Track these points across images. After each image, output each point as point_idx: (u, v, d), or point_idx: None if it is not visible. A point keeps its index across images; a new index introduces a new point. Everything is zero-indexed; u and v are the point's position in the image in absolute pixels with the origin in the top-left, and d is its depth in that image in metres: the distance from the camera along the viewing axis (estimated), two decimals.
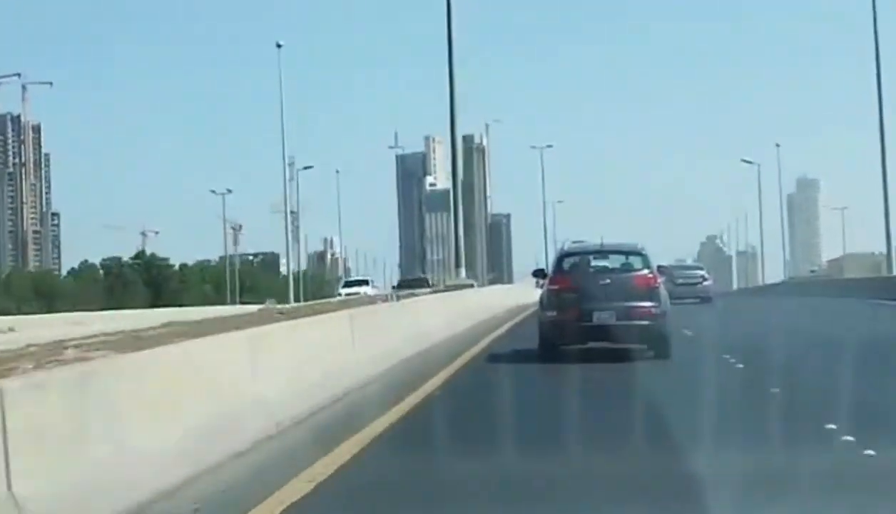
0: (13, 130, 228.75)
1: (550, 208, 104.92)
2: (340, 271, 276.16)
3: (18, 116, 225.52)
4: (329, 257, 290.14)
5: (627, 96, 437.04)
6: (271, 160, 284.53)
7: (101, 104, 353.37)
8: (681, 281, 44.68)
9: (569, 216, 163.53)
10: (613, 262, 19.06)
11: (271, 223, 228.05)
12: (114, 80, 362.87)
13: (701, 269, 51.35)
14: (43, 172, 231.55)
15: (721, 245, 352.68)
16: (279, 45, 58.12)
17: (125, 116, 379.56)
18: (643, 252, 18.72)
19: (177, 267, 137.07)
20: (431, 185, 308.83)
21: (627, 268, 18.57)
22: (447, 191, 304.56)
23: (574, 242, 21.47)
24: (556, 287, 18.41)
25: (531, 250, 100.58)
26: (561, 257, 19.50)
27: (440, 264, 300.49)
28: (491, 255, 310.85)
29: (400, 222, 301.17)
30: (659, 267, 18.78)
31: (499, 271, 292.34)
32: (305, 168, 74.05)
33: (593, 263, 19.22)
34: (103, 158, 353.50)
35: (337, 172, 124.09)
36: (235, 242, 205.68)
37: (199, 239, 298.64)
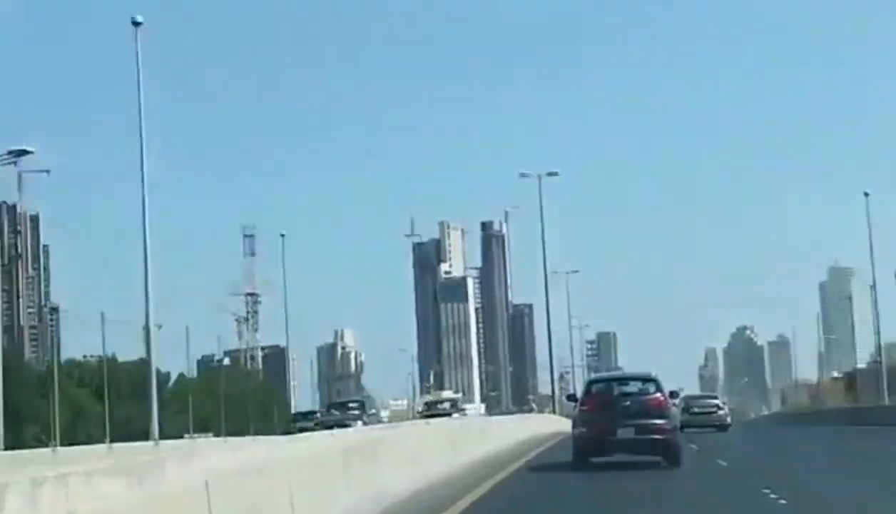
0: (9, 220, 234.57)
1: (563, 282, 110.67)
2: (353, 367, 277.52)
3: (14, 206, 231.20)
4: (340, 350, 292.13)
5: (658, 174, 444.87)
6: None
7: (101, 194, 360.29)
8: (696, 410, 50.08)
9: (590, 306, 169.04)
10: (632, 387, 25.45)
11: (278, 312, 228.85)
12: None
13: (716, 398, 57.60)
14: (41, 263, 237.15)
15: (752, 335, 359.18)
16: (137, 23, 44.75)
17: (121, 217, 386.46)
18: (656, 379, 25.18)
19: (44, 367, 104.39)
20: (447, 273, 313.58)
21: (644, 392, 24.77)
22: (463, 279, 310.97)
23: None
24: (585, 408, 24.69)
25: (556, 341, 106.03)
26: (590, 384, 26.73)
27: (459, 359, 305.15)
28: (513, 347, 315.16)
29: (417, 313, 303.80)
30: (670, 392, 25.24)
31: (520, 362, 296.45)
32: (42, 171, 57.75)
33: (616, 388, 25.68)
34: (105, 247, 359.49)
35: (282, 236, 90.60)
36: (240, 336, 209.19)
37: (209, 332, 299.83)
